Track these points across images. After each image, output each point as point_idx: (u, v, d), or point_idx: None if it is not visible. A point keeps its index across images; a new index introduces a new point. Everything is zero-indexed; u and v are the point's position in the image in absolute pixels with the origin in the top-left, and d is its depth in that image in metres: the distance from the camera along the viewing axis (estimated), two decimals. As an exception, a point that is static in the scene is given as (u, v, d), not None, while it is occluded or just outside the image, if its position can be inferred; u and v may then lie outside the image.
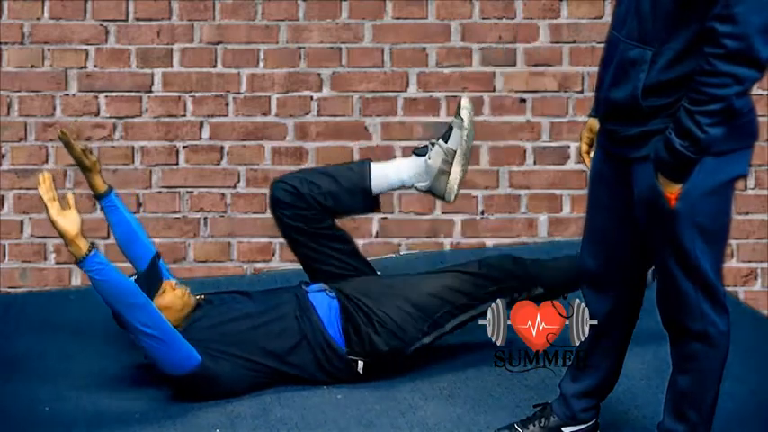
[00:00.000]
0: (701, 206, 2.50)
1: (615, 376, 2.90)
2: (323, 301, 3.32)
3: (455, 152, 3.38)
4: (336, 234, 3.47)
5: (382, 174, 3.46)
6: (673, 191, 2.47)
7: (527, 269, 3.36)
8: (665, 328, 2.69)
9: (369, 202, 3.48)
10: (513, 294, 3.27)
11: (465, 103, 3.40)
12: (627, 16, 2.51)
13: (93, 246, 2.97)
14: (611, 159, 2.64)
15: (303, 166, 4.37)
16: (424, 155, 3.42)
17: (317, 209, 3.40)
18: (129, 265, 4.40)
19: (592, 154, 2.79)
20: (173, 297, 3.30)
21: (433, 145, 3.41)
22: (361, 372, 3.26)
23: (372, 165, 3.48)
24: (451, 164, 3.39)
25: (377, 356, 3.26)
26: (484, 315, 2.99)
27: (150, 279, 3.31)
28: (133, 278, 3.29)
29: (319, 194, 3.40)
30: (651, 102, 2.47)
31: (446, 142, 3.39)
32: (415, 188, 3.46)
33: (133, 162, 4.41)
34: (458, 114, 3.39)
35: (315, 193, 3.40)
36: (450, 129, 3.41)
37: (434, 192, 3.44)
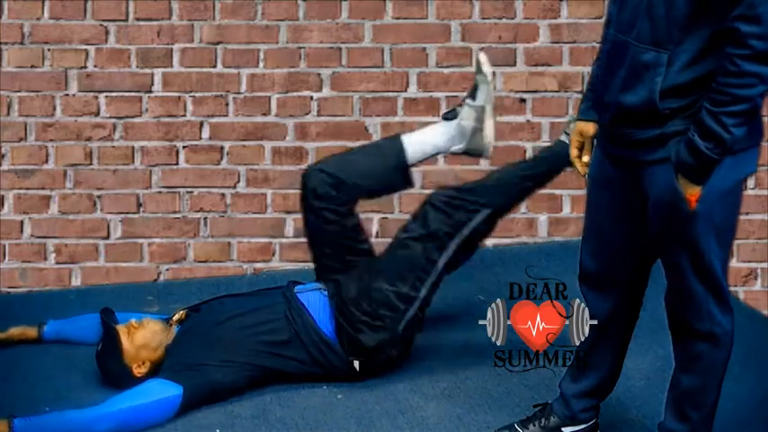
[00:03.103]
0: (718, 207, 2.51)
1: (615, 376, 2.90)
2: (316, 300, 3.32)
3: (484, 108, 3.41)
4: (359, 235, 3.45)
5: (417, 145, 3.46)
6: (694, 192, 2.46)
7: (464, 199, 3.35)
8: (671, 327, 2.69)
9: (407, 176, 3.48)
10: (462, 230, 3.29)
11: (483, 58, 3.42)
12: (636, 19, 2.49)
13: (11, 418, 2.94)
14: (618, 163, 2.63)
15: (303, 167, 4.37)
16: (454, 118, 3.43)
17: (351, 201, 3.40)
18: (130, 265, 4.42)
19: (585, 158, 2.77)
20: (142, 335, 3.29)
21: (460, 106, 3.43)
22: (357, 369, 3.26)
23: (404, 137, 3.48)
24: (483, 120, 3.41)
25: (370, 354, 3.26)
26: (451, 263, 3.19)
27: (105, 337, 3.31)
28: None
29: (359, 177, 3.40)
30: (668, 104, 2.46)
31: (474, 100, 3.41)
32: (451, 152, 3.48)
33: (133, 162, 4.41)
34: (479, 71, 3.41)
35: (354, 177, 3.39)
36: (475, 87, 3.43)
37: (472, 151, 3.47)
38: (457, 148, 3.47)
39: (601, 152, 2.71)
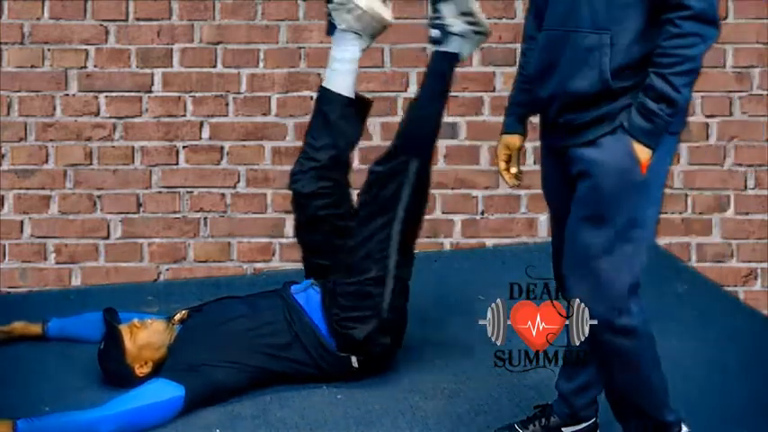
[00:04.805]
0: (658, 178, 2.57)
1: None
2: (311, 298, 3.32)
3: None
4: (349, 226, 3.41)
5: (335, 75, 3.41)
6: (646, 157, 2.51)
7: (390, 163, 3.28)
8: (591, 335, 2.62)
9: (358, 106, 3.43)
10: (402, 192, 3.23)
11: None
12: (573, 8, 2.54)
13: (14, 420, 2.94)
14: (562, 153, 2.64)
15: (303, 166, 4.37)
16: (334, 29, 3.38)
17: (341, 184, 3.38)
18: (130, 265, 4.42)
19: (513, 170, 2.81)
20: (145, 335, 3.28)
21: (330, 15, 3.36)
22: (356, 366, 3.25)
23: (324, 85, 3.44)
24: (352, 2, 3.33)
25: (363, 347, 3.25)
26: (407, 228, 3.16)
27: (108, 336, 3.31)
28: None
29: (332, 147, 3.37)
30: (621, 84, 2.51)
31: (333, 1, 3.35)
32: (362, 49, 3.41)
33: (133, 162, 4.41)
34: None
35: (330, 150, 3.36)
36: None
37: (371, 30, 3.38)
38: (361, 43, 3.40)
39: (547, 152, 2.74)
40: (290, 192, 4.28)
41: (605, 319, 2.59)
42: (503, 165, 2.83)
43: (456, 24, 3.28)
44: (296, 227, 3.51)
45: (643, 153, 2.51)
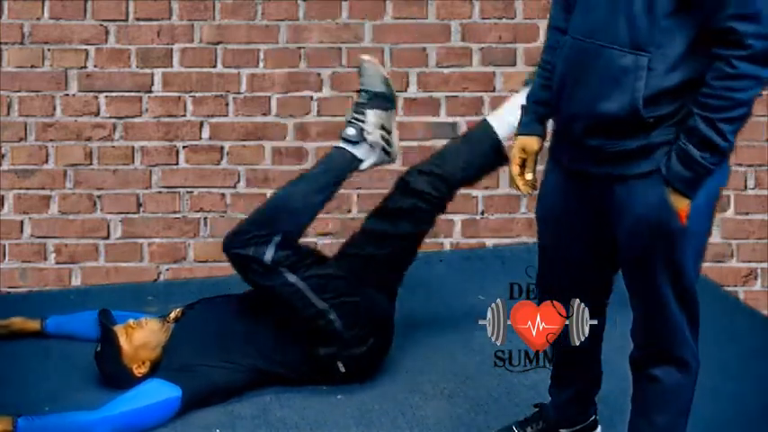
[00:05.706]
0: (702, 222, 2.41)
1: (598, 379, 2.83)
2: None
3: None
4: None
5: (508, 120, 3.35)
6: (684, 206, 2.33)
7: (249, 237, 3.21)
8: (639, 363, 2.58)
9: (500, 153, 3.41)
10: (261, 249, 3.18)
11: None
12: (611, 21, 2.33)
13: (15, 417, 2.95)
14: (582, 178, 2.46)
15: (303, 167, 4.36)
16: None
17: (441, 204, 3.40)
18: (130, 265, 4.42)
19: (528, 176, 2.62)
20: (141, 335, 3.29)
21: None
22: (342, 370, 3.24)
23: (489, 117, 3.44)
24: None
25: (327, 363, 3.24)
26: (302, 279, 3.14)
27: (103, 338, 3.31)
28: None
29: (459, 170, 3.38)
30: (653, 112, 2.31)
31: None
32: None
33: (133, 162, 4.41)
34: None
35: (455, 169, 3.37)
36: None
37: None
38: None
39: (558, 168, 2.54)
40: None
41: (665, 349, 2.51)
42: (516, 169, 2.63)
43: (374, 133, 3.30)
44: (378, 209, 3.45)
45: (681, 202, 2.31)
